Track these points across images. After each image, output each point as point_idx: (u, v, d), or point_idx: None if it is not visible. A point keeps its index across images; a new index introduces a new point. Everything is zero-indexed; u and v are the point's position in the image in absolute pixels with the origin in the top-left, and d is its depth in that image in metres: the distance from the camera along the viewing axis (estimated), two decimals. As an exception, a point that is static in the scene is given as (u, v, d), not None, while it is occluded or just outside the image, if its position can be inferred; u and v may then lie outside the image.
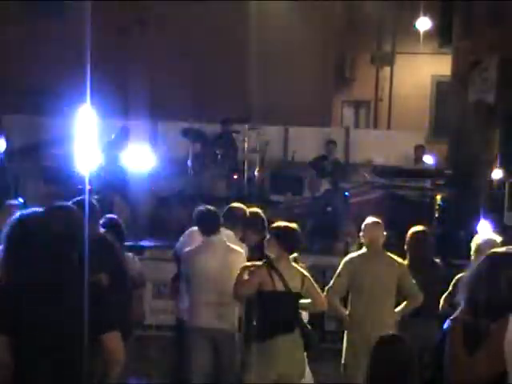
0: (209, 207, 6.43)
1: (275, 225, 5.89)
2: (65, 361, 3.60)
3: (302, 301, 5.88)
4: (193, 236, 6.67)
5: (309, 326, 5.88)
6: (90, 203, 5.83)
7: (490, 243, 6.00)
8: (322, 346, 6.82)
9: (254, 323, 5.78)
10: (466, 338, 3.25)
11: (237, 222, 6.57)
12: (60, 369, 3.60)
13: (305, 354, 5.82)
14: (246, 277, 5.73)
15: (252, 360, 5.71)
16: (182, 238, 6.87)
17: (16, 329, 3.57)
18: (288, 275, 5.66)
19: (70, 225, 3.75)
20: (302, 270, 5.85)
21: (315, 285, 5.90)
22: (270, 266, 5.67)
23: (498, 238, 6.15)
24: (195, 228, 6.76)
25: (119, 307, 4.78)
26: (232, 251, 6.27)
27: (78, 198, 5.50)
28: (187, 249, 6.34)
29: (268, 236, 5.85)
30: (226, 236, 6.42)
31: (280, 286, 5.61)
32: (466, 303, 3.37)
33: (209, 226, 6.26)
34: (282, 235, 5.75)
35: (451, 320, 3.40)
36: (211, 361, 6.22)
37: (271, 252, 5.76)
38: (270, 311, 5.64)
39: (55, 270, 3.68)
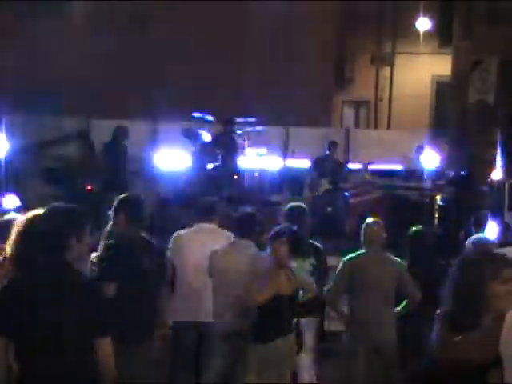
0: (249, 211, 6.52)
1: (278, 228, 5.92)
2: (65, 361, 3.61)
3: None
4: (181, 240, 6.69)
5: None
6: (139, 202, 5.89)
7: (482, 243, 6.01)
8: (322, 346, 6.83)
9: (254, 325, 5.78)
10: (454, 325, 3.28)
11: (213, 213, 6.65)
12: (60, 369, 3.61)
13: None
14: (261, 283, 5.67)
15: (252, 361, 5.72)
16: (170, 245, 6.88)
17: (16, 330, 3.57)
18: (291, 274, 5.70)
19: (69, 226, 3.75)
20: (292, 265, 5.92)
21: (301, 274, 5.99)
22: (286, 268, 5.69)
23: (490, 238, 6.19)
24: (182, 231, 6.82)
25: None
26: (256, 257, 6.28)
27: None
28: (215, 249, 6.34)
29: (273, 239, 5.85)
30: (210, 229, 6.52)
31: (292, 288, 5.64)
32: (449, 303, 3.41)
33: (243, 228, 6.28)
34: (288, 238, 5.78)
35: (440, 311, 3.45)
36: (228, 361, 6.23)
37: (278, 254, 5.77)
38: (274, 314, 5.65)
39: (55, 271, 3.69)
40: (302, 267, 6.16)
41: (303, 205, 6.98)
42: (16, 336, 3.57)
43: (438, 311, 3.49)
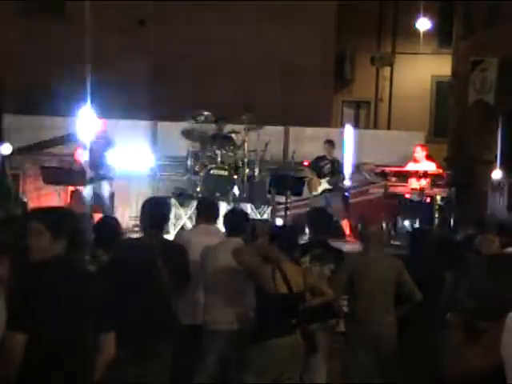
0: (237, 208, 6.45)
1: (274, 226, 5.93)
2: (73, 358, 3.62)
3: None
4: (182, 240, 6.66)
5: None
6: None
7: (490, 244, 6.02)
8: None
9: (254, 324, 5.78)
10: (465, 334, 3.29)
11: (216, 214, 6.65)
12: (69, 367, 3.62)
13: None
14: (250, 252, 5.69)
15: (252, 361, 5.71)
16: None
17: (32, 326, 3.59)
18: (290, 274, 5.66)
19: (69, 227, 3.78)
20: (301, 266, 5.87)
21: (317, 278, 5.95)
22: (275, 265, 5.67)
23: (497, 239, 6.19)
24: (184, 231, 6.78)
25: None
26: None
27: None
28: (204, 246, 6.27)
29: (267, 237, 5.85)
30: (212, 230, 6.51)
31: (282, 286, 5.60)
32: (466, 304, 3.40)
33: (232, 226, 6.27)
34: (281, 236, 5.78)
35: (451, 315, 3.44)
36: (225, 362, 6.19)
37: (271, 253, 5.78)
38: (271, 313, 5.63)
39: (61, 270, 3.71)
40: (320, 273, 6.13)
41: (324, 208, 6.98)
42: (31, 332, 3.58)
43: (451, 313, 3.48)
